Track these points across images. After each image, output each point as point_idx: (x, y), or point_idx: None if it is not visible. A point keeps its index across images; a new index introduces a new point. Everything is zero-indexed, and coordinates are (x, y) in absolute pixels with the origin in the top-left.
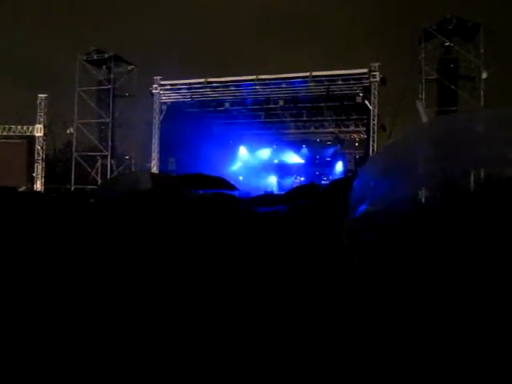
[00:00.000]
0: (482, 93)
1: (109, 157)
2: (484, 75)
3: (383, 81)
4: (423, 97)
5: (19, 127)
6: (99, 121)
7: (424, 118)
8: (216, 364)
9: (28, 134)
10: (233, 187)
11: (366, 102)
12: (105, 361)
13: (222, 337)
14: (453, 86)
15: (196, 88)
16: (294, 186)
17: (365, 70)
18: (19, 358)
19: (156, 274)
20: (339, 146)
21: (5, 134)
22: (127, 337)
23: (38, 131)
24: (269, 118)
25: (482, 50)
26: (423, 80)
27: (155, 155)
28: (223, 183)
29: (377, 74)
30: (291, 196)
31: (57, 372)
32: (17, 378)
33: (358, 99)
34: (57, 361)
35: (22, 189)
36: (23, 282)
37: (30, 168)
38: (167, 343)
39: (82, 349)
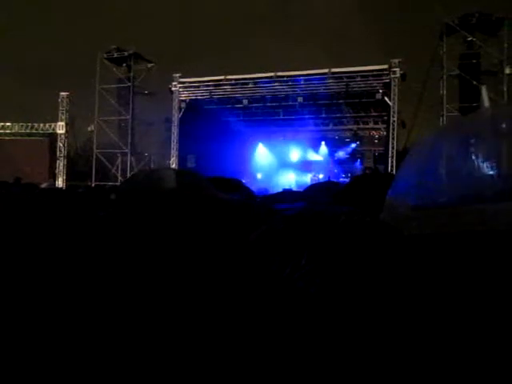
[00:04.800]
0: (504, 88)
1: (129, 154)
2: (507, 70)
3: (403, 77)
4: (444, 92)
5: (41, 125)
6: (119, 118)
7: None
8: (216, 364)
9: (50, 131)
10: (247, 189)
11: (386, 98)
12: (105, 360)
13: (225, 338)
14: (475, 82)
15: (215, 85)
16: (312, 183)
17: (385, 66)
18: (19, 357)
19: (175, 274)
20: (358, 142)
21: (28, 131)
22: (133, 336)
23: (60, 128)
24: (287, 115)
25: (505, 45)
26: (444, 76)
27: (174, 152)
28: (237, 185)
29: (397, 70)
30: (309, 193)
31: (57, 372)
32: (17, 378)
33: (378, 96)
34: (57, 360)
35: (44, 185)
36: (39, 276)
37: (52, 165)
38: (172, 343)
39: (82, 348)
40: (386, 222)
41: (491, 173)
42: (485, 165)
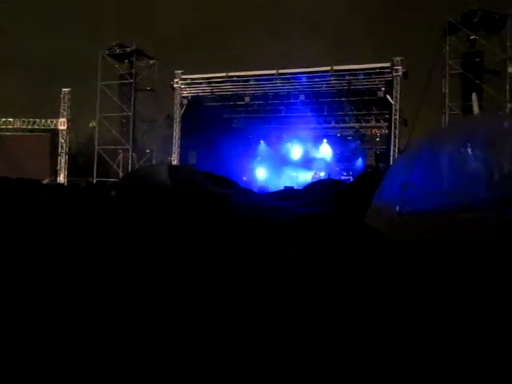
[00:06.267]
0: (507, 88)
1: (130, 150)
2: (510, 69)
3: (406, 75)
4: (447, 91)
5: (43, 121)
6: (121, 114)
7: (476, 110)
8: (216, 364)
9: (52, 127)
10: (238, 185)
11: (388, 96)
12: (105, 360)
13: (224, 336)
14: (477, 81)
15: (217, 82)
16: (314, 181)
17: (387, 64)
18: (19, 357)
19: (171, 272)
20: (360, 141)
21: (29, 127)
22: (132, 335)
23: (62, 125)
24: (289, 113)
25: (508, 44)
26: (447, 74)
27: (176, 149)
28: (228, 181)
29: (399, 68)
30: (310, 192)
31: (57, 372)
32: (17, 378)
33: (380, 94)
34: (57, 361)
35: (46, 181)
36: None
37: (54, 161)
38: (171, 342)
39: (82, 348)
40: (372, 224)
41: (477, 179)
42: (471, 171)
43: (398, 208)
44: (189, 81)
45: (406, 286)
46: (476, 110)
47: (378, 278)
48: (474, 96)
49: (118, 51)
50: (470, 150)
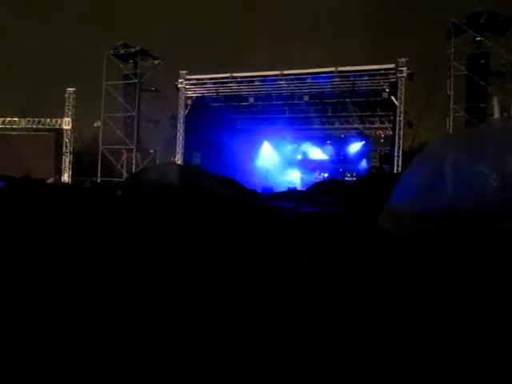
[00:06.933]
0: None
1: (134, 150)
2: None
3: (410, 76)
4: (451, 93)
5: (48, 120)
6: (125, 114)
7: (496, 114)
8: (216, 364)
9: (56, 126)
10: (243, 187)
11: (393, 97)
12: (105, 360)
13: (225, 336)
14: (482, 82)
15: (221, 83)
16: (317, 181)
17: (392, 66)
18: (19, 357)
19: (175, 271)
20: (364, 142)
21: (34, 126)
22: (133, 334)
23: (66, 124)
24: (293, 114)
25: None
26: (452, 76)
27: (180, 149)
28: (233, 183)
29: (404, 69)
30: (313, 192)
31: (57, 372)
32: (17, 378)
33: (385, 95)
34: (57, 360)
35: (50, 180)
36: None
37: (58, 160)
38: (172, 342)
39: (82, 347)
40: (386, 227)
41: (499, 186)
42: (493, 178)
43: (417, 211)
44: (193, 81)
45: (426, 292)
46: (497, 113)
47: (395, 282)
48: (495, 100)
49: (122, 51)
50: (487, 157)
